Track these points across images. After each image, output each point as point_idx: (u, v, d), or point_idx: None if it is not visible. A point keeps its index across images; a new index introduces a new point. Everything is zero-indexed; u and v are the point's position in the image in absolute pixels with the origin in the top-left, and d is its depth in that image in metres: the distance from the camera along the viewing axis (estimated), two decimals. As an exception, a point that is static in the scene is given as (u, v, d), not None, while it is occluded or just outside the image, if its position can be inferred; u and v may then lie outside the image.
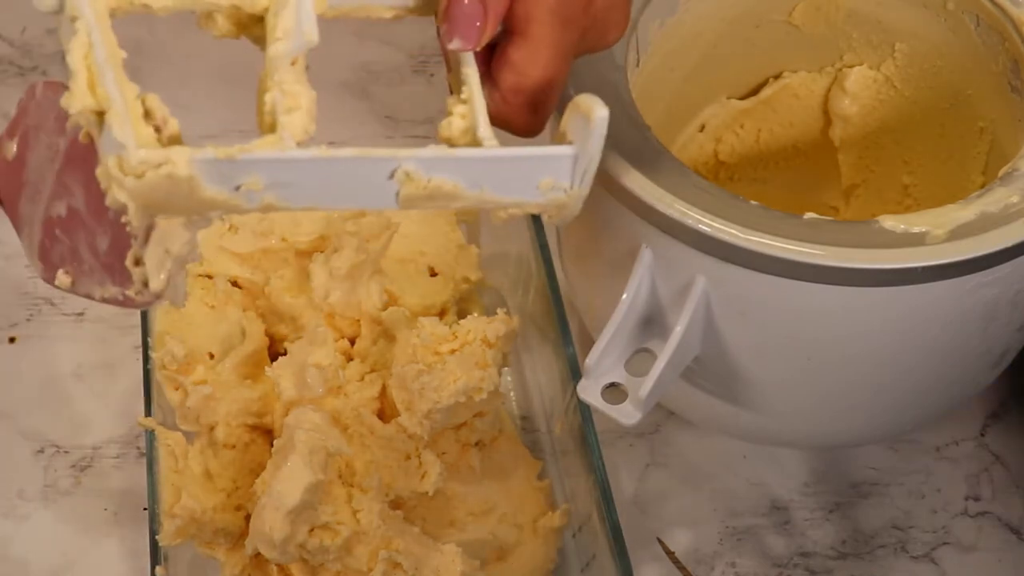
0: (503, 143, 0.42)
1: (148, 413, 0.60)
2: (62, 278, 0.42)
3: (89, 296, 0.42)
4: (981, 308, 0.50)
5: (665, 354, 0.51)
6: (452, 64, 0.45)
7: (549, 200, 0.42)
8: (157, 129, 0.39)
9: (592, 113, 0.41)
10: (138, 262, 0.40)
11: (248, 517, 0.57)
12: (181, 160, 0.38)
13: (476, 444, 0.61)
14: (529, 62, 0.43)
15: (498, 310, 0.60)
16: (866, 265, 0.47)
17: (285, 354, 0.60)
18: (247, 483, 0.59)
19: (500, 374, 0.59)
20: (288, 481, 0.53)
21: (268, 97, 0.40)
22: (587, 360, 0.51)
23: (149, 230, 0.39)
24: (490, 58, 0.44)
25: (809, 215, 0.49)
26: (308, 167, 0.39)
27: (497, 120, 0.44)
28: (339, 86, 0.78)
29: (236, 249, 0.64)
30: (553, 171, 0.41)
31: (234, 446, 0.60)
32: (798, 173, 0.69)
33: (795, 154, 0.69)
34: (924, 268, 0.47)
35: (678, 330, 0.51)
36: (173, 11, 0.43)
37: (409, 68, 0.79)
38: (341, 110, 0.77)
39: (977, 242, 0.48)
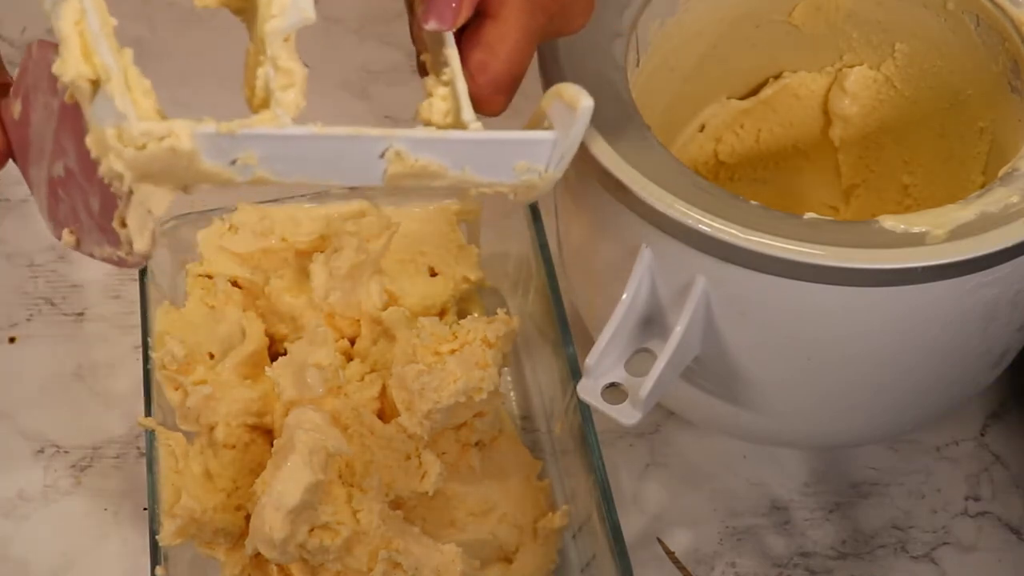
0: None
1: (148, 413, 0.60)
2: (67, 237, 0.42)
3: (91, 255, 0.42)
4: (981, 308, 0.50)
5: (665, 354, 0.51)
6: (430, 46, 0.46)
7: (522, 181, 0.43)
8: None
9: (577, 103, 0.42)
10: (124, 223, 0.40)
11: (248, 517, 0.57)
12: (184, 133, 0.38)
13: (476, 444, 0.61)
14: (499, 42, 0.44)
15: (498, 310, 0.60)
16: (866, 265, 0.47)
17: (285, 354, 0.60)
18: (247, 483, 0.59)
19: (500, 374, 0.59)
20: (288, 481, 0.53)
21: (261, 72, 0.40)
22: (587, 360, 0.51)
23: (131, 192, 0.39)
24: (459, 39, 0.45)
25: (809, 215, 0.49)
26: (303, 143, 0.40)
27: None
28: (339, 86, 0.79)
29: (236, 249, 0.64)
30: (531, 155, 0.43)
31: (234, 446, 0.60)
32: (798, 173, 0.69)
33: (795, 154, 0.69)
34: (924, 268, 0.47)
35: (678, 330, 0.51)
36: None
37: (409, 68, 0.79)
38: (341, 110, 0.77)
39: (977, 242, 0.48)
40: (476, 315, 0.61)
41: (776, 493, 0.65)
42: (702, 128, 0.68)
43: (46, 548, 0.64)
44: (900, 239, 0.48)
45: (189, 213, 0.65)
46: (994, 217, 0.49)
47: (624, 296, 0.51)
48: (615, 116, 0.52)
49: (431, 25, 0.43)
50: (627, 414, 0.51)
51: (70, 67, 0.38)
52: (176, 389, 0.61)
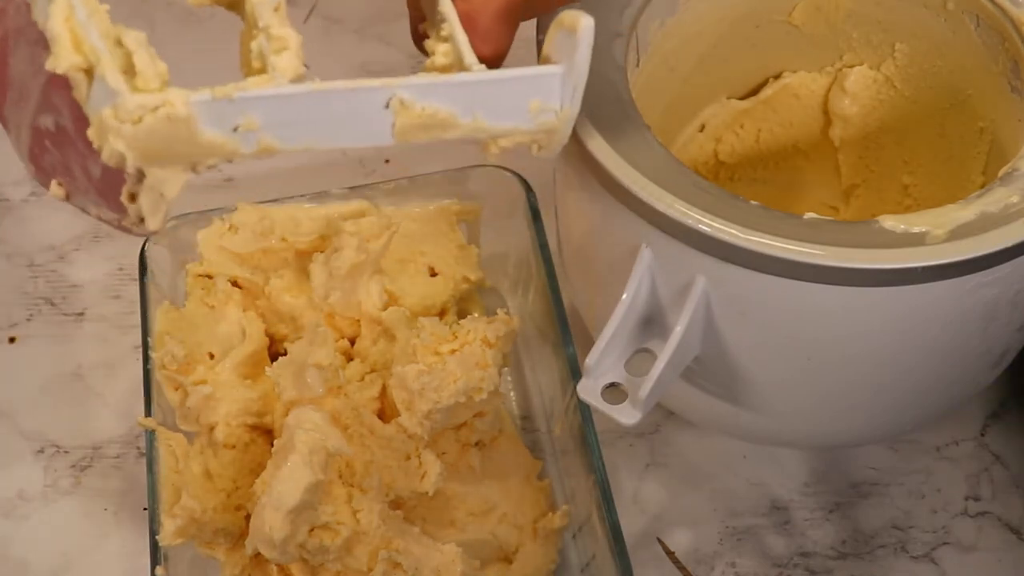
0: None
1: (148, 413, 0.60)
2: (56, 189, 0.42)
3: (84, 211, 0.42)
4: (981, 308, 0.50)
5: (665, 354, 0.51)
6: (426, 10, 0.45)
7: (539, 124, 0.42)
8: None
9: (577, 24, 0.41)
10: (133, 198, 0.40)
11: (248, 517, 0.57)
12: (179, 101, 0.37)
13: (476, 444, 0.61)
14: None
15: (498, 310, 0.60)
16: (866, 265, 0.47)
17: (285, 354, 0.60)
18: (247, 483, 0.59)
19: (500, 374, 0.59)
20: (288, 481, 0.53)
21: (255, 45, 0.40)
22: (587, 360, 0.51)
23: (141, 173, 0.39)
24: None
25: (809, 215, 0.49)
26: (303, 102, 0.39)
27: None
28: (339, 86, 0.79)
29: (236, 249, 0.64)
30: (543, 92, 0.42)
31: (234, 446, 0.60)
32: (798, 173, 0.69)
33: (795, 154, 0.69)
34: (924, 268, 0.47)
35: (678, 330, 0.51)
36: None
37: (409, 68, 0.79)
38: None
39: (977, 242, 0.48)
40: (476, 315, 0.61)
41: (776, 493, 0.65)
42: (702, 128, 0.68)
43: (46, 548, 0.64)
44: (900, 239, 0.48)
45: (189, 213, 0.65)
46: (994, 217, 0.49)
47: (624, 296, 0.51)
48: (615, 116, 0.52)
49: None
50: (627, 414, 0.51)
51: (62, 60, 0.38)
52: (176, 389, 0.61)
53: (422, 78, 0.40)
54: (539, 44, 0.52)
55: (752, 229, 0.48)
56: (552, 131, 0.43)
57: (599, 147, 0.51)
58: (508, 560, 0.61)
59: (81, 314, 0.72)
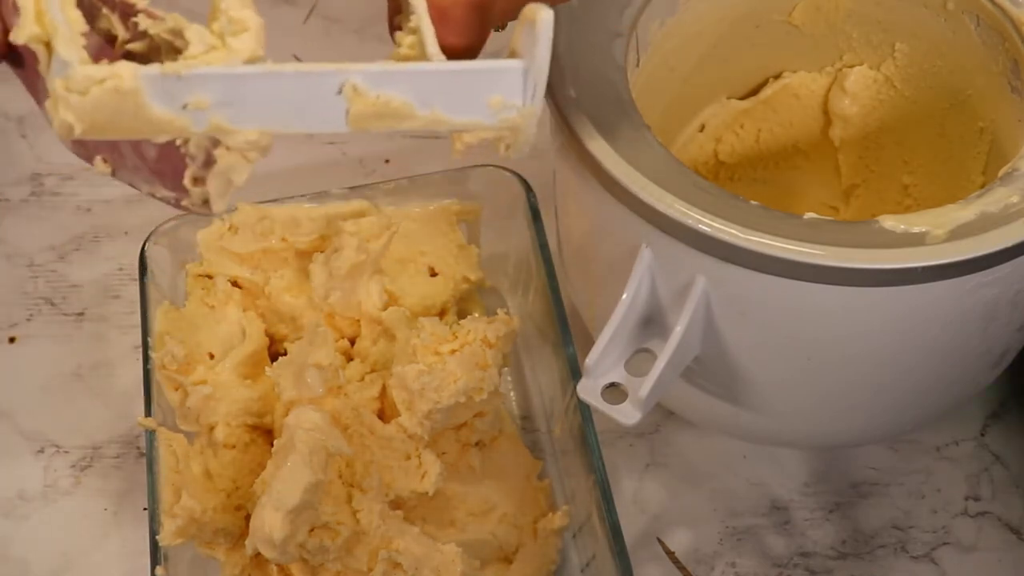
0: None
1: (148, 413, 0.60)
2: (101, 165, 0.42)
3: (133, 186, 0.42)
4: (981, 308, 0.50)
5: (665, 354, 0.51)
6: (402, 4, 0.44)
7: (501, 121, 0.41)
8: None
9: (536, 17, 0.40)
10: (197, 181, 0.40)
11: (248, 517, 0.57)
12: (127, 74, 0.37)
13: (476, 444, 0.61)
14: None
15: (498, 310, 0.60)
16: (866, 265, 0.47)
17: (285, 354, 0.60)
18: (247, 483, 0.59)
19: (500, 374, 0.59)
20: (288, 481, 0.53)
21: (215, 27, 0.40)
22: (587, 360, 0.51)
23: (209, 157, 0.39)
24: None
25: (809, 215, 0.49)
26: (254, 83, 0.38)
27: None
28: (339, 86, 0.79)
29: (236, 249, 0.64)
30: (503, 87, 0.41)
31: (234, 446, 0.60)
32: (798, 173, 0.69)
33: (795, 154, 0.69)
34: (924, 268, 0.47)
35: (678, 330, 0.51)
36: None
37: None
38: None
39: (977, 242, 0.48)
40: (476, 315, 0.61)
41: (776, 493, 0.65)
42: (702, 128, 0.68)
43: (46, 548, 0.64)
44: (900, 239, 0.48)
45: (189, 213, 0.65)
46: (994, 217, 0.49)
47: (624, 296, 0.51)
48: (615, 116, 0.52)
49: None
50: (627, 414, 0.51)
51: (23, 31, 0.38)
52: (176, 389, 0.61)
53: (376, 65, 0.40)
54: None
55: (752, 229, 0.48)
56: (515, 128, 0.41)
57: (599, 147, 0.51)
58: (508, 560, 0.61)
59: (81, 314, 0.72)
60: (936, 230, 0.48)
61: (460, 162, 0.66)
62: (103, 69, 0.37)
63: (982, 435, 0.67)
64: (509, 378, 0.68)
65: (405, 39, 0.42)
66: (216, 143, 0.40)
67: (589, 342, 0.52)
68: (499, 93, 0.41)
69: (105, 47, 0.42)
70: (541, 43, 0.40)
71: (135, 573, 0.63)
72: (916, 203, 0.66)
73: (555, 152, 0.57)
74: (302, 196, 0.65)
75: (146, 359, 0.62)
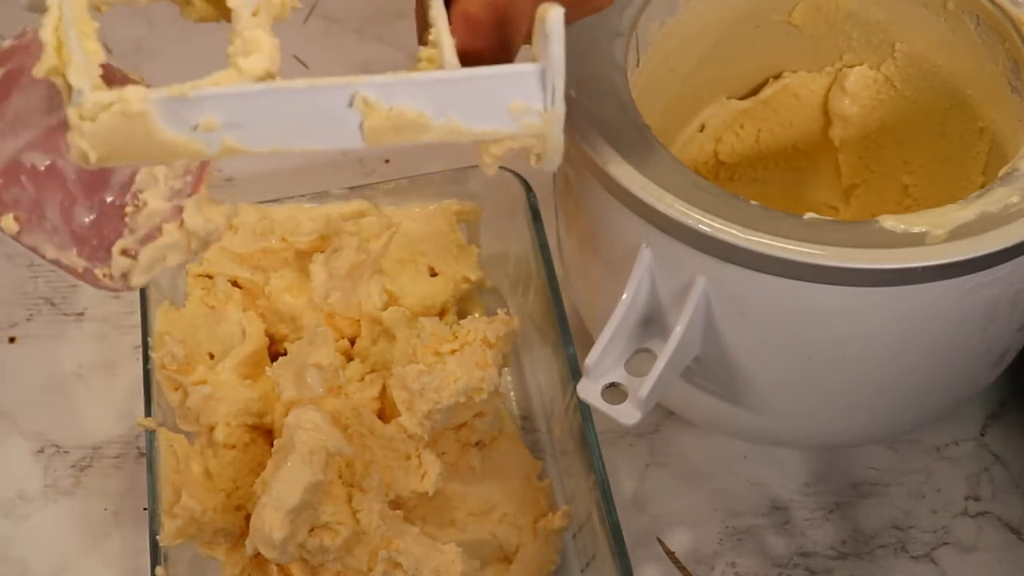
0: None
1: (148, 413, 0.60)
2: (9, 222, 0.42)
3: (34, 250, 0.42)
4: (981, 308, 0.50)
5: (665, 354, 0.51)
6: (427, 13, 0.44)
7: (524, 128, 0.40)
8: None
9: (546, 14, 0.39)
10: (126, 252, 0.40)
11: (248, 517, 0.57)
12: (134, 98, 0.37)
13: (476, 444, 0.61)
14: None
15: (498, 310, 0.60)
16: (866, 265, 0.47)
17: (285, 354, 0.60)
18: (247, 483, 0.59)
19: (500, 374, 0.59)
20: (288, 481, 0.53)
21: (231, 49, 0.39)
22: (587, 360, 0.51)
23: (154, 233, 0.39)
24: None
25: (809, 215, 0.49)
26: (263, 102, 0.38)
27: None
28: (339, 86, 0.79)
29: (236, 249, 0.64)
30: (522, 92, 0.39)
31: (234, 446, 0.60)
32: (798, 173, 0.69)
33: (795, 154, 0.69)
34: (924, 268, 0.47)
35: (678, 330, 0.51)
36: (152, 0, 0.43)
37: (409, 68, 0.79)
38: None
39: (977, 242, 0.48)
40: (476, 315, 0.61)
41: (776, 493, 0.65)
42: (702, 128, 0.68)
43: (46, 548, 0.64)
44: (900, 239, 0.48)
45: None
46: (994, 217, 0.49)
47: (624, 296, 0.51)
48: (615, 116, 0.52)
49: None
50: (627, 414, 0.51)
51: (44, 64, 0.38)
52: (176, 389, 0.61)
53: (386, 76, 0.39)
54: None
55: (752, 229, 0.48)
56: (541, 135, 0.40)
57: (599, 147, 0.51)
58: (508, 560, 0.61)
59: (81, 314, 0.72)
60: (936, 230, 0.48)
61: (460, 162, 0.66)
62: (111, 94, 0.37)
63: (982, 435, 0.67)
64: (509, 378, 0.68)
65: (424, 53, 0.42)
66: (175, 216, 0.40)
67: (589, 342, 0.52)
68: (518, 98, 0.39)
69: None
70: (553, 41, 0.39)
71: (135, 573, 0.63)
72: (916, 203, 0.66)
73: (555, 152, 0.57)
74: (302, 196, 0.65)
75: (146, 359, 0.62)
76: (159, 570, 0.56)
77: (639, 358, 0.52)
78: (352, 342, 0.64)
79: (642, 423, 0.51)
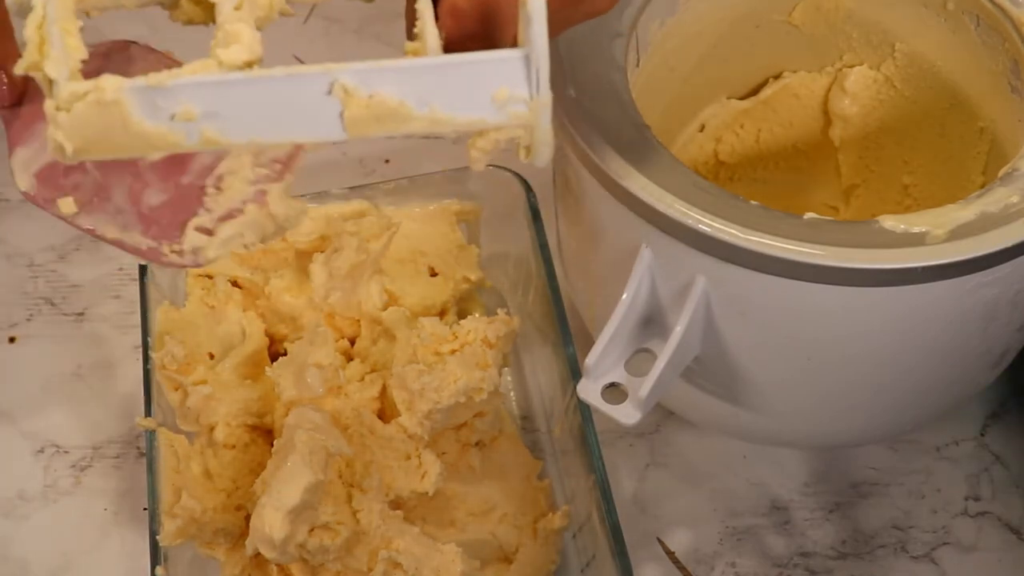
0: None
1: (148, 413, 0.60)
2: (68, 204, 0.42)
3: (90, 232, 0.42)
4: (981, 308, 0.50)
5: (665, 354, 0.51)
6: (410, 10, 0.43)
7: (511, 117, 0.39)
8: None
9: (527, 1, 0.38)
10: (201, 230, 0.40)
11: (248, 517, 0.57)
12: (109, 87, 0.37)
13: (476, 444, 0.61)
14: None
15: (498, 310, 0.60)
16: (866, 265, 0.47)
17: (285, 354, 0.60)
18: (247, 483, 0.59)
19: (500, 374, 0.59)
20: (288, 481, 0.53)
21: (214, 43, 0.39)
22: (587, 360, 0.51)
23: (234, 212, 0.39)
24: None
25: (809, 215, 0.49)
26: (241, 91, 0.37)
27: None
28: (339, 86, 0.79)
29: (236, 249, 0.64)
30: (506, 78, 0.38)
31: (234, 446, 0.60)
32: (798, 173, 0.69)
33: (795, 154, 0.69)
34: (924, 268, 0.47)
35: (678, 330, 0.51)
36: (143, 4, 0.42)
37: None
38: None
39: (977, 242, 0.48)
40: (476, 315, 0.61)
41: (776, 493, 0.65)
42: (702, 128, 0.68)
43: (46, 548, 0.64)
44: (900, 239, 0.48)
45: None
46: (994, 217, 0.49)
47: (624, 296, 0.51)
48: (615, 116, 0.52)
49: None
50: (627, 414, 0.51)
51: (24, 61, 0.38)
52: (176, 389, 0.61)
53: (365, 63, 0.38)
54: None
55: (752, 229, 0.48)
56: (528, 125, 0.39)
57: (599, 147, 0.51)
58: (508, 560, 0.61)
59: (81, 314, 0.72)
60: (936, 230, 0.48)
61: (460, 162, 0.66)
62: (86, 84, 0.37)
63: (982, 435, 0.67)
64: (509, 378, 0.68)
65: (410, 46, 0.41)
66: (258, 199, 0.39)
67: (589, 342, 0.52)
68: (502, 85, 0.38)
69: None
70: (535, 24, 0.38)
71: (135, 573, 0.63)
72: (916, 203, 0.66)
73: (555, 152, 0.57)
74: (302, 196, 0.65)
75: (146, 359, 0.62)
76: (159, 570, 0.56)
77: (639, 358, 0.52)
78: (352, 342, 0.64)
79: (642, 423, 0.51)
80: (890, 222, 0.49)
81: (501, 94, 0.38)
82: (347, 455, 0.56)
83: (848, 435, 0.61)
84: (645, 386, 0.50)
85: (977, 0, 0.58)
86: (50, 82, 0.37)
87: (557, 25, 0.42)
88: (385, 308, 0.63)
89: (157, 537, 0.56)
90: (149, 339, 0.62)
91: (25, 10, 0.39)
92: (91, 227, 0.42)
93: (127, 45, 0.43)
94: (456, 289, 0.66)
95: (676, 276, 0.51)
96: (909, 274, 0.48)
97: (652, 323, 0.53)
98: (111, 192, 0.41)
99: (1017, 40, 0.56)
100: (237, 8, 0.39)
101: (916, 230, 0.48)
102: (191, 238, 0.40)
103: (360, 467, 0.57)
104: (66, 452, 0.67)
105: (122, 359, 0.70)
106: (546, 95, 0.38)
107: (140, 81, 0.37)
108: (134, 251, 0.42)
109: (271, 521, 0.53)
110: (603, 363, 0.51)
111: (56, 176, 0.42)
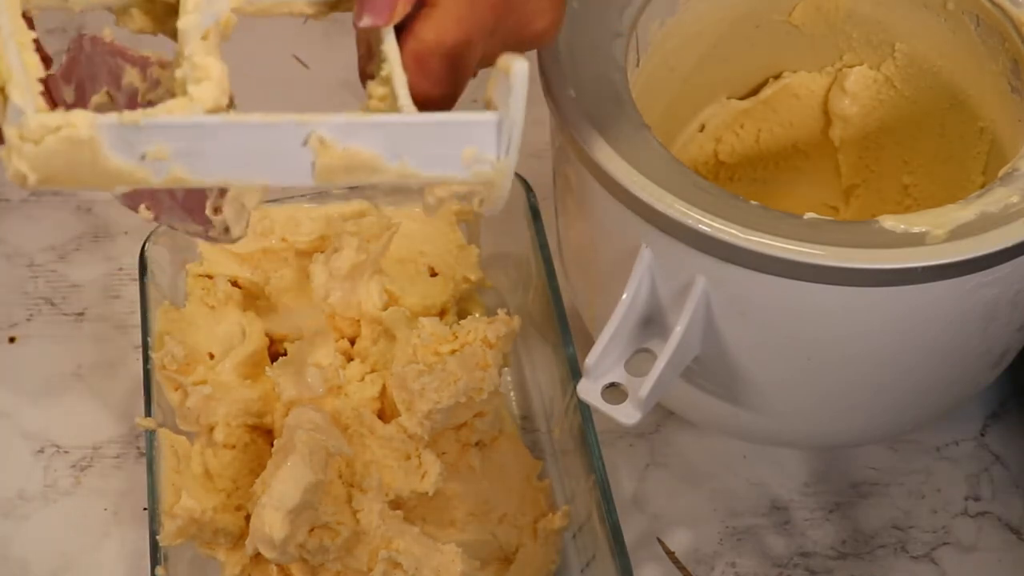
0: None
1: (148, 413, 0.60)
2: (144, 212, 0.42)
3: (172, 227, 0.42)
4: (981, 308, 0.50)
5: (665, 354, 0.51)
6: (372, 44, 0.43)
7: (475, 175, 0.39)
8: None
9: (511, 68, 0.38)
10: (216, 211, 0.40)
11: (248, 517, 0.57)
12: (82, 123, 0.36)
13: (476, 444, 0.61)
14: (429, 28, 0.42)
15: (498, 310, 0.60)
16: (866, 265, 0.47)
17: (285, 354, 0.60)
18: (247, 483, 0.59)
19: (500, 374, 0.59)
20: (288, 481, 0.53)
21: (179, 72, 0.39)
22: (587, 360, 0.51)
23: (223, 189, 0.39)
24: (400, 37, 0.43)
25: (809, 215, 0.49)
26: (216, 134, 0.37)
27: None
28: (339, 86, 0.78)
29: (236, 249, 0.64)
30: (476, 140, 0.39)
31: (234, 446, 0.60)
32: (798, 173, 0.69)
33: (795, 154, 0.69)
34: (924, 268, 0.47)
35: (678, 330, 0.51)
36: (88, 7, 0.42)
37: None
38: (341, 109, 0.77)
39: (977, 242, 0.48)
40: (476, 315, 0.61)
41: (776, 493, 0.65)
42: (702, 128, 0.68)
43: (46, 548, 0.64)
44: (900, 239, 0.48)
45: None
46: (994, 217, 0.49)
47: (624, 296, 0.51)
48: (615, 116, 0.52)
49: (364, 22, 0.41)
50: (627, 414, 0.51)
51: None
52: (176, 389, 0.61)
53: (344, 116, 0.38)
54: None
55: (752, 229, 0.48)
56: (490, 183, 0.39)
57: (599, 147, 0.51)
58: (508, 560, 0.61)
59: (81, 314, 0.72)
60: (936, 230, 0.48)
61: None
62: (57, 117, 0.36)
63: (982, 435, 0.67)
64: (509, 378, 0.68)
65: (377, 90, 0.41)
66: None
67: (589, 342, 0.52)
68: (473, 145, 0.39)
69: (132, 103, 0.42)
70: (515, 95, 0.38)
71: (135, 573, 0.63)
72: (916, 203, 0.66)
73: (555, 152, 0.57)
74: (302, 196, 0.65)
75: (146, 359, 0.62)
76: (159, 570, 0.56)
77: (639, 358, 0.52)
78: (352, 342, 0.64)
79: (642, 423, 0.51)
80: (890, 222, 0.49)
81: (469, 153, 0.39)
82: (347, 455, 0.56)
83: (848, 435, 0.61)
84: (645, 386, 0.50)
85: (977, 0, 0.58)
86: (4, 100, 0.37)
87: (474, 31, 0.42)
88: (385, 308, 0.63)
89: (157, 537, 0.56)
90: (149, 339, 0.62)
91: None
92: (170, 224, 0.42)
93: (80, 40, 0.43)
94: (456, 289, 0.66)
95: (676, 276, 0.51)
96: (909, 274, 0.48)
97: (652, 323, 0.53)
98: (157, 193, 0.41)
99: (1017, 40, 0.56)
100: (204, 39, 0.39)
101: (916, 230, 0.48)
102: (215, 221, 0.40)
103: (360, 467, 0.57)
104: (66, 452, 0.67)
105: (122, 359, 0.70)
106: (513, 158, 0.39)
107: (113, 118, 0.36)
108: (201, 237, 0.42)
109: (271, 521, 0.53)
110: (603, 363, 0.51)
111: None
